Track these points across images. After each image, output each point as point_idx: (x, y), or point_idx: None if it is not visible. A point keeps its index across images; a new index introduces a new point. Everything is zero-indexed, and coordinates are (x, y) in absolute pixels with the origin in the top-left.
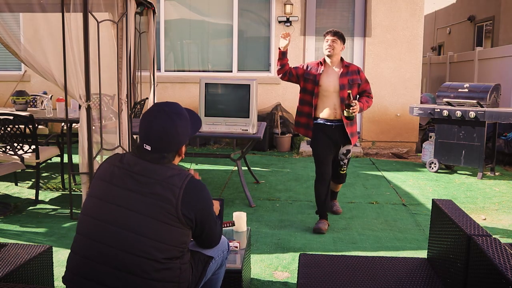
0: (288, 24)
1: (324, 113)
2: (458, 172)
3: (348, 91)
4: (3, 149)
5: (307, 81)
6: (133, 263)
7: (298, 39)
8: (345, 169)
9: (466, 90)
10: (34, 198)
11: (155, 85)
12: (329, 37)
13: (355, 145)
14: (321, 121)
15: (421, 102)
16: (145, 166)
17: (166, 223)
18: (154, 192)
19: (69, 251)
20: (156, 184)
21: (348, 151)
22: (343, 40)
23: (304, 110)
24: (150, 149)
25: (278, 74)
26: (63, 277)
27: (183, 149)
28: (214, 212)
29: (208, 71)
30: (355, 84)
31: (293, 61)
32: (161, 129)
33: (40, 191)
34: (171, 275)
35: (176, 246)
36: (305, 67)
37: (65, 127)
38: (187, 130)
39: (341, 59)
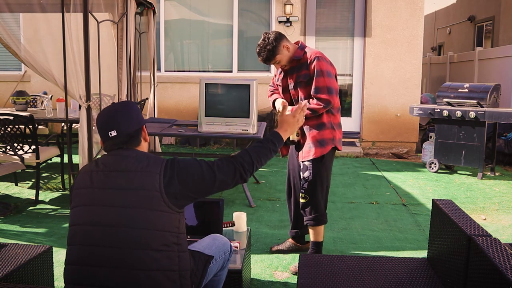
0: (288, 24)
1: None
2: (458, 172)
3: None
4: (3, 149)
5: (284, 92)
6: (131, 258)
7: (298, 39)
8: (303, 196)
9: (466, 90)
10: (34, 198)
11: (155, 85)
12: (269, 64)
13: (355, 145)
14: None
15: (421, 102)
16: (120, 161)
17: (155, 209)
18: (136, 183)
19: None
20: (136, 175)
21: (304, 167)
22: (275, 50)
23: None
24: (116, 133)
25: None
26: None
27: (146, 134)
28: (199, 171)
29: (208, 71)
30: (301, 83)
31: None
32: (117, 113)
33: (40, 191)
34: (170, 263)
35: (169, 231)
36: (275, 77)
37: (65, 127)
38: (140, 114)
39: (299, 48)
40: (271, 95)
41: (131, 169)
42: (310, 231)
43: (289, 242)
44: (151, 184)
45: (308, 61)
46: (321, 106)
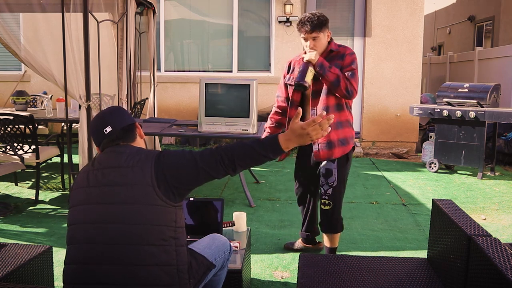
0: (288, 24)
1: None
2: (458, 172)
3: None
4: (3, 149)
5: (290, 87)
6: (129, 254)
7: (298, 39)
8: (327, 202)
9: (466, 90)
10: (34, 198)
11: (155, 85)
12: (307, 35)
13: (355, 145)
14: None
15: (421, 102)
16: (113, 158)
17: (150, 204)
18: (129, 178)
19: None
20: (128, 171)
21: (328, 171)
22: (325, 26)
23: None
24: (111, 129)
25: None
26: None
27: (140, 131)
28: (183, 162)
29: (208, 71)
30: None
31: None
32: (110, 112)
33: (40, 191)
34: (168, 258)
35: (166, 225)
36: (286, 71)
37: (65, 127)
38: (131, 116)
39: (330, 42)
40: (271, 118)
41: (123, 165)
42: (328, 237)
43: (299, 242)
44: (144, 179)
45: (345, 52)
46: (347, 88)
